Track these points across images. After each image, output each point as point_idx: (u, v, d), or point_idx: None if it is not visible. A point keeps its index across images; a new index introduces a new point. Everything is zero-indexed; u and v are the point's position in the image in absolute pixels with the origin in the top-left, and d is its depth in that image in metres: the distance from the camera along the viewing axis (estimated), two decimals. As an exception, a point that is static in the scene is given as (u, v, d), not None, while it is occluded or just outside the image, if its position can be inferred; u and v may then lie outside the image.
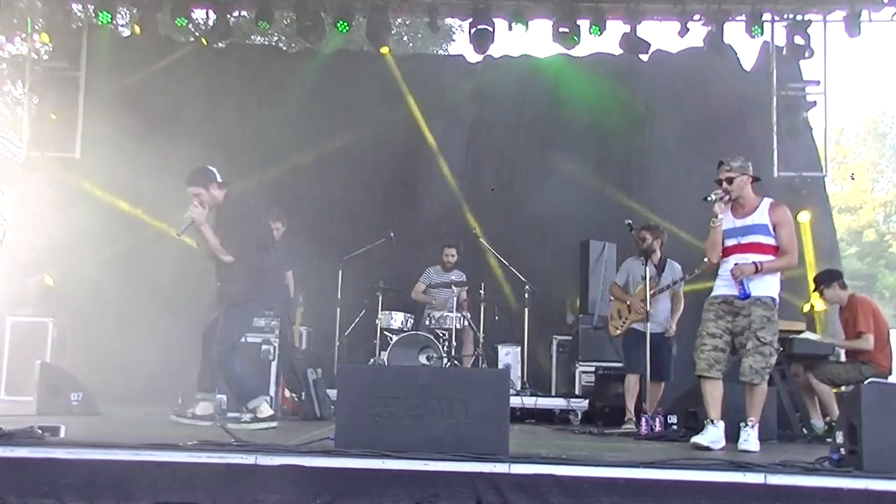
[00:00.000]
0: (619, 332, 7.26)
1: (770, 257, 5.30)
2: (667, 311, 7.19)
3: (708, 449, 5.06)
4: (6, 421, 4.13)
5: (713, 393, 5.33)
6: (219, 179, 5.80)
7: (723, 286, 5.40)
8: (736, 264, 5.30)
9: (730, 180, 5.39)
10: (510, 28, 9.56)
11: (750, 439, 5.15)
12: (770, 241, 5.33)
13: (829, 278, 7.10)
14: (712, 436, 5.18)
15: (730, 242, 5.42)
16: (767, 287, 5.28)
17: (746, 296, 5.25)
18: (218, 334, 5.78)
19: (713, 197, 5.42)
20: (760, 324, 5.21)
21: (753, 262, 5.25)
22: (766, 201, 5.44)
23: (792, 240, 5.34)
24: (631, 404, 7.01)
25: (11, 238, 10.10)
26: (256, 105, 9.93)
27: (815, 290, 7.30)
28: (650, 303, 6.83)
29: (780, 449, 5.50)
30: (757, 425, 5.22)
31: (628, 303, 7.15)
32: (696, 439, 5.21)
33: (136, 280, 8.98)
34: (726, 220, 5.44)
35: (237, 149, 9.59)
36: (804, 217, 9.67)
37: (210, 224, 5.78)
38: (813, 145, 9.98)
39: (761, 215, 5.37)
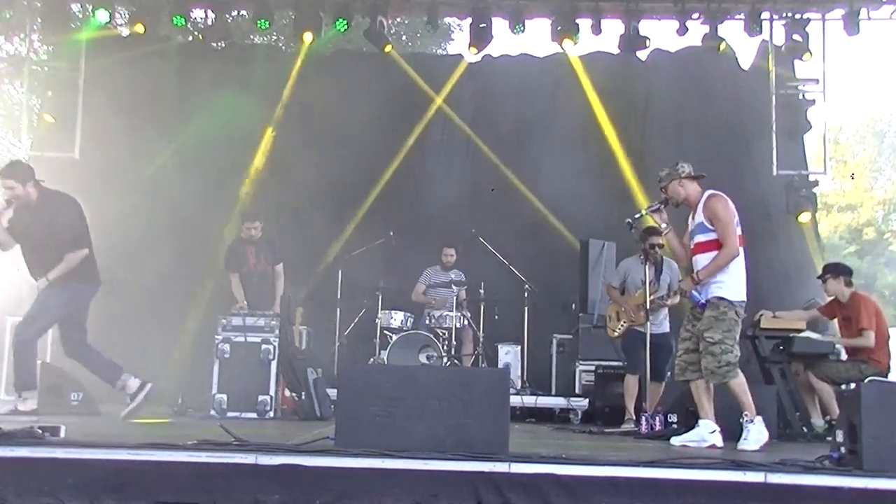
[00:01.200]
0: (616, 333, 7.21)
1: (714, 254, 5.31)
2: (665, 310, 7.16)
3: (685, 447, 5.14)
4: (6, 421, 4.13)
5: (695, 394, 5.40)
6: (36, 178, 5.94)
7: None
8: (679, 282, 5.46)
9: (664, 189, 5.56)
10: (512, 29, 9.56)
11: (749, 437, 5.15)
12: (708, 237, 5.35)
13: (836, 271, 7.09)
14: (691, 435, 5.28)
15: (692, 244, 5.50)
16: (715, 289, 5.28)
17: (702, 304, 5.33)
18: (26, 315, 6.34)
19: (643, 212, 5.71)
20: (707, 325, 5.27)
21: (690, 276, 5.39)
22: (704, 196, 5.46)
23: (725, 230, 5.29)
24: (631, 404, 7.01)
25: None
26: (256, 105, 9.91)
27: (819, 277, 7.30)
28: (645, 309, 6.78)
29: (780, 448, 5.49)
30: (756, 419, 5.20)
31: (623, 308, 7.12)
32: (673, 439, 5.34)
33: (135, 280, 8.97)
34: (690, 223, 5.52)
35: (237, 149, 9.61)
36: (805, 217, 9.69)
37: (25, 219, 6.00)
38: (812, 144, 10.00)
39: (699, 213, 5.42)
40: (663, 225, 5.65)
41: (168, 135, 9.62)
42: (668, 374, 7.14)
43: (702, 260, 5.39)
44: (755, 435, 5.15)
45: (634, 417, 6.83)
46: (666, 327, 7.10)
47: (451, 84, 10.25)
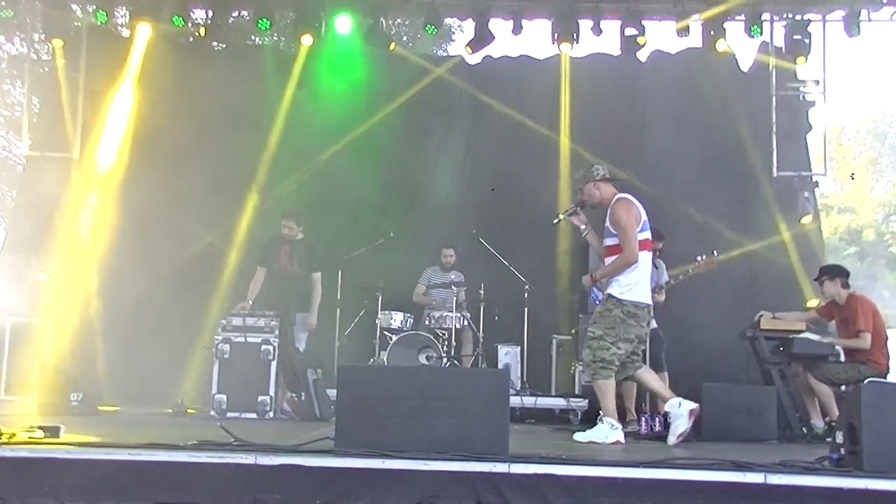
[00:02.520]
0: None
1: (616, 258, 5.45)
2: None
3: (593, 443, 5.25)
4: (6, 421, 4.13)
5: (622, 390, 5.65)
6: None
7: None
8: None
9: (579, 191, 5.67)
10: (512, 31, 9.56)
11: (593, 430, 5.30)
12: (613, 241, 5.44)
13: (833, 273, 7.10)
14: (596, 431, 5.34)
15: (604, 246, 5.62)
16: (609, 287, 5.41)
17: (597, 300, 5.57)
18: None
19: (561, 216, 5.78)
20: (593, 319, 5.47)
21: (590, 274, 5.67)
22: (613, 200, 5.53)
23: (624, 236, 5.36)
24: (631, 406, 7.00)
25: (12, 238, 10.11)
26: (255, 106, 9.91)
27: (816, 279, 7.31)
28: None
29: (780, 449, 5.50)
30: (607, 420, 5.31)
31: None
32: (576, 435, 5.46)
33: (136, 281, 8.98)
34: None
35: (237, 148, 9.61)
36: (806, 220, 9.71)
37: None
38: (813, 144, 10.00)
39: (608, 217, 5.51)
40: (582, 226, 5.72)
41: (169, 135, 9.61)
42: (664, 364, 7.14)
43: (610, 262, 5.50)
44: (598, 432, 5.26)
45: (636, 418, 6.83)
46: (653, 323, 7.04)
47: (451, 84, 10.25)
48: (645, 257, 5.44)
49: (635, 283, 5.37)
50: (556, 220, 5.90)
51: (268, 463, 3.49)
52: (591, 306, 8.53)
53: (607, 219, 5.47)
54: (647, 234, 5.49)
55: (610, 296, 5.37)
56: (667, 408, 5.43)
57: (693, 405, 5.31)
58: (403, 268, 9.19)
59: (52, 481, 3.45)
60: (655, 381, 5.61)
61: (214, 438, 3.92)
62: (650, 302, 5.51)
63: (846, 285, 7.04)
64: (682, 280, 7.01)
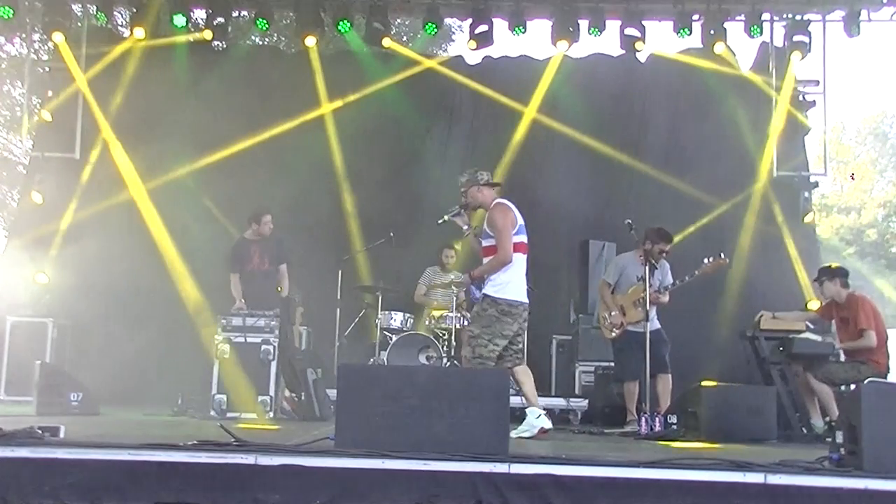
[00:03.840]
0: (614, 334, 7.12)
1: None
2: (655, 308, 7.03)
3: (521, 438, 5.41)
4: (6, 421, 4.13)
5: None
6: None
7: None
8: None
9: (464, 193, 5.85)
10: (512, 30, 9.55)
11: (518, 428, 5.52)
12: (490, 242, 5.68)
13: (833, 273, 7.09)
14: (523, 426, 5.58)
15: (482, 247, 5.82)
16: (486, 287, 5.65)
17: (476, 298, 5.76)
18: None
19: (446, 217, 5.94)
20: (472, 319, 5.78)
21: (468, 273, 5.88)
22: (491, 206, 5.75)
23: (500, 238, 5.59)
24: (632, 406, 6.97)
25: (12, 238, 10.12)
26: (254, 105, 9.91)
27: (815, 280, 7.30)
28: (644, 305, 6.77)
29: (780, 449, 5.50)
30: (533, 408, 5.60)
31: (615, 311, 7.06)
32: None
33: (136, 281, 8.99)
34: None
35: (233, 148, 9.62)
36: (809, 218, 9.71)
37: None
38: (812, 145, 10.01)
39: (486, 220, 5.73)
40: (465, 227, 5.95)
41: (170, 134, 9.62)
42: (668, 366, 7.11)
43: (487, 262, 5.73)
44: (526, 425, 5.54)
45: (637, 418, 6.82)
46: (657, 324, 7.01)
47: (451, 85, 10.25)
48: (519, 259, 5.69)
49: (509, 283, 5.60)
50: (440, 220, 6.09)
51: (268, 463, 3.50)
52: (591, 306, 8.61)
53: (485, 222, 5.74)
54: (523, 238, 5.73)
55: (486, 295, 5.62)
56: (527, 411, 5.69)
57: (548, 426, 5.59)
58: (403, 268, 9.19)
59: (52, 481, 3.45)
60: (530, 383, 5.77)
61: (214, 438, 3.92)
62: (525, 300, 5.72)
63: (846, 285, 7.03)
64: (688, 281, 6.96)
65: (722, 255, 6.88)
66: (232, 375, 7.17)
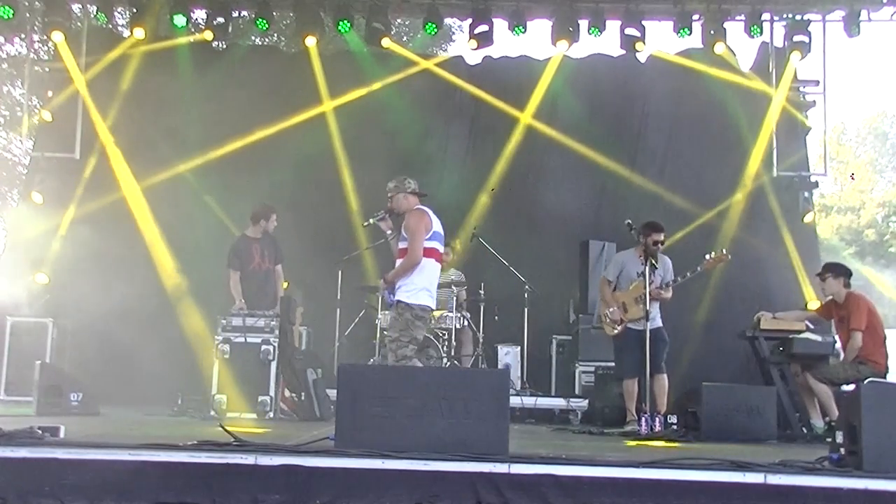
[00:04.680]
0: (616, 331, 7.10)
1: None
2: (657, 306, 7.03)
3: None
4: (6, 421, 4.13)
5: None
6: None
7: None
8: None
9: (390, 199, 6.08)
10: (512, 31, 9.56)
11: None
12: (405, 245, 5.88)
13: (836, 271, 7.08)
14: None
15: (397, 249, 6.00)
16: (399, 293, 5.84)
17: (391, 301, 5.95)
18: None
19: (371, 220, 6.19)
20: (389, 324, 5.99)
21: (383, 277, 6.03)
22: (409, 212, 5.96)
23: (412, 241, 5.82)
24: (632, 406, 6.97)
25: (12, 238, 10.12)
26: (255, 105, 9.91)
27: (818, 275, 7.28)
28: (644, 302, 6.77)
29: (780, 449, 5.50)
30: None
31: (615, 307, 7.06)
32: None
33: (136, 280, 8.98)
34: None
35: (232, 148, 9.63)
36: (809, 217, 9.71)
37: None
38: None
39: (403, 224, 5.95)
40: (388, 231, 6.16)
41: (170, 134, 9.63)
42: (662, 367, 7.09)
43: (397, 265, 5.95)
44: None
45: (636, 418, 6.81)
46: (658, 322, 7.00)
47: (451, 85, 10.24)
48: (431, 265, 5.88)
49: (421, 289, 5.82)
50: (366, 223, 6.34)
51: (268, 463, 3.49)
52: (591, 306, 8.62)
53: (404, 227, 5.95)
54: (437, 245, 5.93)
55: (400, 301, 5.82)
56: None
57: None
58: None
59: (52, 481, 3.45)
60: None
61: (214, 438, 3.92)
62: (433, 306, 5.95)
63: (847, 284, 7.03)
64: (689, 277, 6.95)
65: (724, 251, 6.88)
66: (232, 375, 7.18)
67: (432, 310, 5.97)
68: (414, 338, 5.78)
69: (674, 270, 7.08)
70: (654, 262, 6.84)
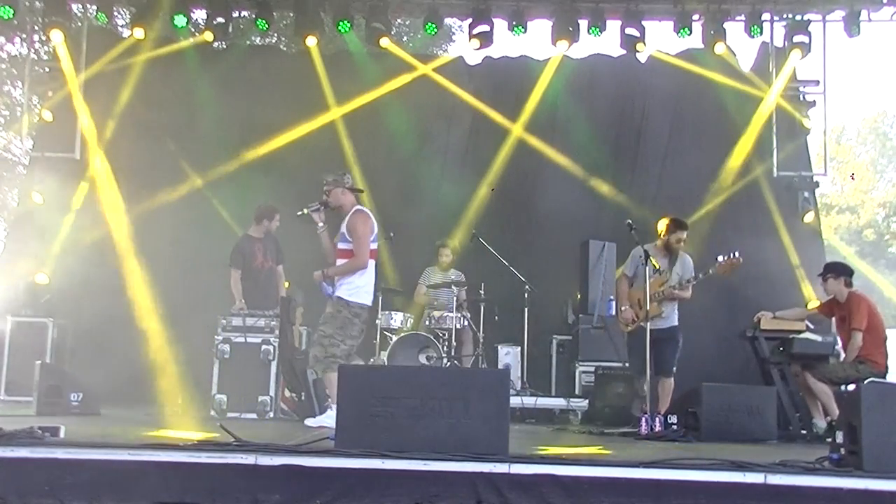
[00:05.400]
0: (628, 329, 7.03)
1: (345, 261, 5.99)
2: (675, 304, 7.01)
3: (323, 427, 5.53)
4: (6, 421, 4.13)
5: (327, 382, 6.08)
6: None
7: None
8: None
9: (327, 193, 6.15)
10: (512, 31, 9.56)
11: (319, 417, 5.97)
12: (347, 246, 6.00)
13: (838, 271, 7.08)
14: (327, 418, 5.73)
15: (337, 248, 6.11)
16: (340, 290, 5.96)
17: (329, 294, 6.02)
18: None
19: (305, 211, 6.20)
20: (324, 319, 6.03)
21: (322, 271, 6.05)
22: (352, 210, 6.04)
23: (358, 244, 5.94)
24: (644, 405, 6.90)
25: (12, 238, 10.11)
26: (254, 105, 9.90)
27: (820, 275, 7.28)
28: (659, 300, 6.75)
29: (780, 449, 5.50)
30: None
31: (626, 306, 6.99)
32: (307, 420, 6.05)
33: (136, 280, 8.98)
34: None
35: (233, 148, 9.62)
36: (809, 217, 9.71)
37: None
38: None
39: (344, 224, 6.04)
40: (320, 223, 6.21)
41: (170, 134, 9.62)
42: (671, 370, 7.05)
43: (342, 263, 6.03)
44: (328, 418, 5.59)
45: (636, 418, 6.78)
46: (674, 321, 6.97)
47: (451, 85, 10.24)
48: (372, 265, 6.07)
49: (361, 287, 5.96)
50: (299, 213, 6.33)
51: (268, 463, 3.50)
52: (591, 306, 8.62)
53: (344, 225, 6.02)
54: (374, 245, 6.11)
55: (339, 298, 5.92)
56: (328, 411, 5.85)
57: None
58: (403, 268, 9.19)
59: (52, 481, 3.45)
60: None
61: (214, 438, 3.92)
62: (370, 304, 6.14)
63: (849, 284, 7.02)
64: (701, 279, 6.91)
65: (736, 255, 6.79)
66: (232, 375, 7.17)
67: (369, 307, 6.12)
68: (349, 336, 5.88)
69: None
70: (671, 256, 6.87)
